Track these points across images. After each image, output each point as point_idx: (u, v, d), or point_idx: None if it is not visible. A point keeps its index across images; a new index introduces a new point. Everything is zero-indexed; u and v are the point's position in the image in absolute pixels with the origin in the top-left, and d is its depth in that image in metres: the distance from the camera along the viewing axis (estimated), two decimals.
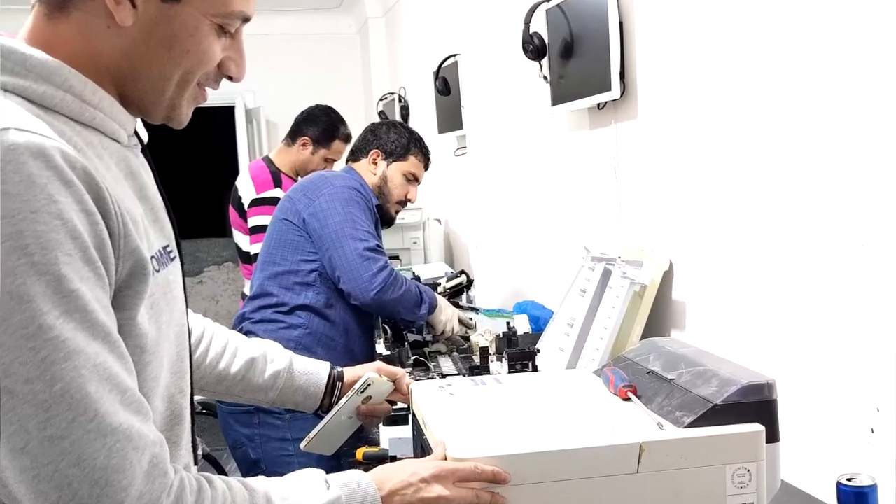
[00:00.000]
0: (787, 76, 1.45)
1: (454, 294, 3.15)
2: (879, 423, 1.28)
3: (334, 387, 1.41)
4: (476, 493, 0.99)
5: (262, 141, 6.07)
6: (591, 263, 2.14)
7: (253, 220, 3.30)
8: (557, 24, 2.26)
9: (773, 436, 1.05)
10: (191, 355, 1.03)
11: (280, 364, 1.38)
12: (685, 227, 1.85)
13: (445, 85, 3.67)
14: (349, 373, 1.43)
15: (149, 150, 1.00)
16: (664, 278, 1.90)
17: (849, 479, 1.08)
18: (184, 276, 1.02)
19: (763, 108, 1.52)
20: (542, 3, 2.30)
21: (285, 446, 2.13)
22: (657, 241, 1.96)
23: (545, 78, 2.37)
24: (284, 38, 6.07)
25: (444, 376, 2.08)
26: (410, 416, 1.34)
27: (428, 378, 2.03)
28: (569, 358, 1.99)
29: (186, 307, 1.03)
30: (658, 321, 1.94)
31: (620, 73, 1.98)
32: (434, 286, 2.98)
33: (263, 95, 6.07)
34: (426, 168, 2.58)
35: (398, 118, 4.80)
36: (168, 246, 0.96)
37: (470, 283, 3.25)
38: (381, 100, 5.43)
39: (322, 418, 1.37)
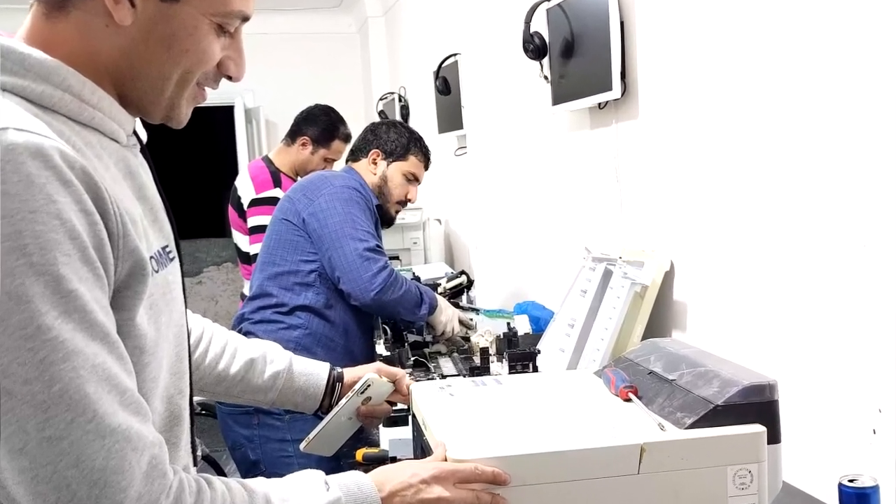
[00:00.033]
0: (788, 76, 1.44)
1: (454, 294, 3.15)
2: (881, 424, 1.27)
3: (334, 387, 1.41)
4: (476, 495, 0.98)
5: (261, 141, 6.07)
6: (592, 264, 2.14)
7: (252, 221, 3.30)
8: (558, 24, 2.26)
9: (774, 437, 1.05)
10: (190, 356, 1.03)
11: (280, 365, 1.37)
12: (686, 228, 1.85)
13: (445, 84, 3.67)
14: (349, 373, 1.43)
15: (148, 150, 0.99)
16: (665, 279, 1.90)
17: (850, 481, 1.08)
18: (183, 276, 1.02)
19: (764, 108, 1.52)
20: (542, 2, 2.30)
21: (285, 447, 2.13)
22: (658, 241, 1.96)
23: (546, 77, 2.37)
24: (284, 38, 6.07)
25: (444, 377, 2.07)
26: (410, 417, 1.33)
27: (428, 379, 2.03)
28: (569, 358, 1.99)
29: (186, 307, 1.03)
30: (659, 322, 1.94)
31: (621, 73, 1.98)
32: (434, 286, 2.98)
33: (263, 95, 6.07)
34: (426, 168, 2.58)
35: (398, 118, 4.80)
36: (167, 246, 0.95)
37: (470, 283, 3.25)
38: (380, 99, 5.43)
39: (322, 419, 1.37)
